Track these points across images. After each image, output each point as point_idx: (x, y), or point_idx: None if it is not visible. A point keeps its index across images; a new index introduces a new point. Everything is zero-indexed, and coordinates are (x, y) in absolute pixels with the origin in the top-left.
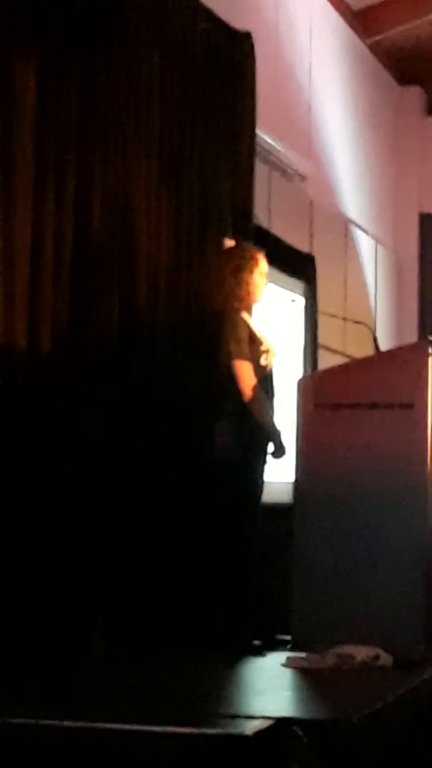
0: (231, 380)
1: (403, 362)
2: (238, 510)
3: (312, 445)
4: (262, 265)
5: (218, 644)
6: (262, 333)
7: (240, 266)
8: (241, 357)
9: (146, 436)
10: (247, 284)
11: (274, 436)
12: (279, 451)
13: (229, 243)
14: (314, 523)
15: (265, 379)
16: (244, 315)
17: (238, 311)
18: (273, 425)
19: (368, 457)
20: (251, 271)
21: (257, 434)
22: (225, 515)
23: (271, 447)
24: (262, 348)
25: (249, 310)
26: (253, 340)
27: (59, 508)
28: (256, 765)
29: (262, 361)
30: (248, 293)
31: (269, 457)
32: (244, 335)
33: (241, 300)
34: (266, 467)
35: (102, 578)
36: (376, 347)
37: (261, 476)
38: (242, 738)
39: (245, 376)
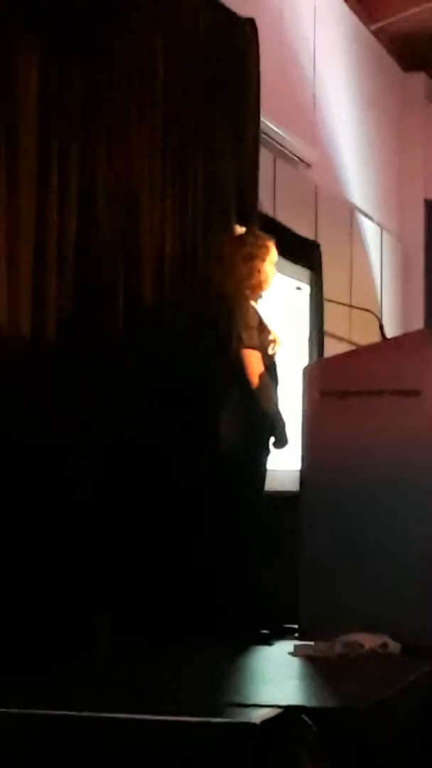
0: (239, 368)
1: (410, 349)
2: (242, 500)
3: (318, 433)
4: (273, 253)
5: (225, 633)
6: (268, 321)
7: (252, 254)
8: (251, 345)
9: (151, 429)
10: (259, 272)
11: (278, 426)
12: (281, 442)
13: (240, 230)
14: (321, 511)
15: (271, 367)
16: (254, 303)
17: (248, 299)
18: (278, 415)
19: (375, 445)
20: (263, 259)
21: (262, 424)
22: (229, 506)
23: (273, 436)
24: (271, 337)
25: (259, 298)
26: (262, 329)
27: (63, 502)
28: (264, 753)
29: (270, 350)
30: (259, 281)
31: (271, 447)
32: (254, 324)
33: (253, 288)
34: (269, 457)
35: (106, 570)
36: (383, 334)
37: (264, 466)
38: (250, 726)
39: (254, 364)
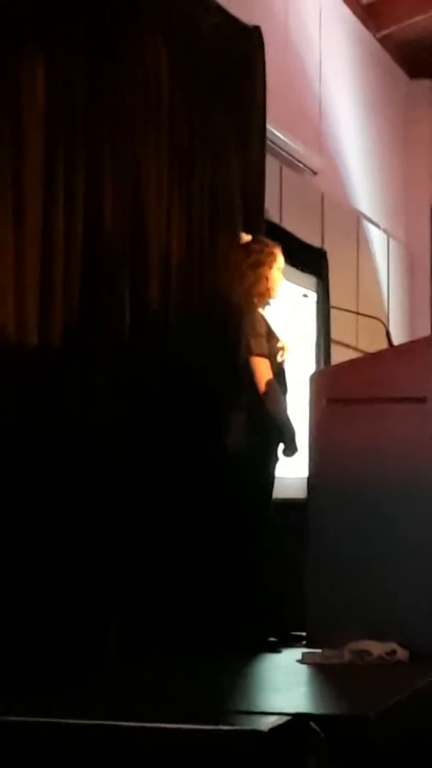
0: (248, 376)
1: (417, 356)
2: (250, 505)
3: (325, 441)
4: (280, 260)
5: (233, 641)
6: (276, 329)
7: (260, 261)
8: (260, 353)
9: (159, 435)
10: (267, 280)
11: (287, 433)
12: (290, 449)
13: (246, 237)
14: (328, 518)
15: (279, 375)
16: (262, 311)
17: (256, 306)
18: (287, 422)
19: (381, 452)
20: (270, 267)
21: (270, 431)
22: (236, 511)
23: (282, 444)
24: (279, 345)
25: (266, 305)
26: (271, 336)
27: (71, 503)
28: (272, 761)
29: (278, 358)
30: (267, 289)
31: (280, 454)
32: (263, 331)
33: (261, 295)
34: (277, 463)
35: (115, 576)
36: (389, 341)
37: (272, 472)
38: (258, 734)
39: (263, 372)
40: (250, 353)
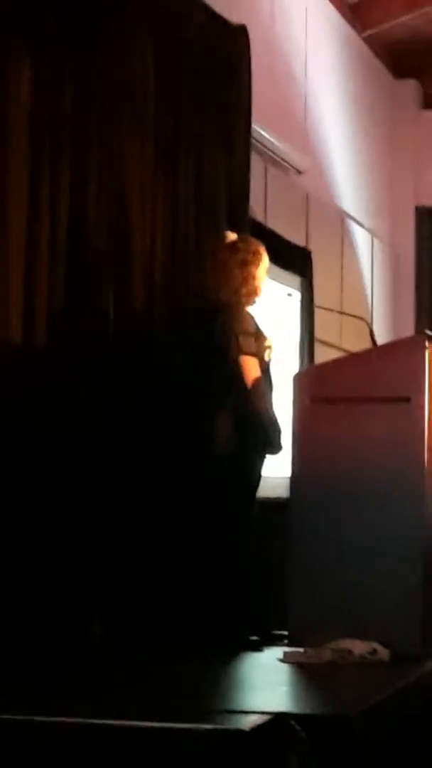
0: (236, 375)
1: (400, 356)
2: (235, 505)
3: (308, 440)
4: (265, 259)
5: (215, 640)
6: (262, 327)
7: (246, 260)
8: (248, 352)
9: (143, 431)
10: (254, 278)
11: (273, 432)
12: (275, 448)
13: (232, 236)
14: (311, 517)
15: (265, 373)
16: (249, 309)
17: (243, 305)
18: (273, 421)
19: (365, 452)
20: (257, 265)
21: (257, 429)
22: (221, 510)
23: (268, 442)
24: (266, 344)
25: (252, 304)
26: (259, 335)
27: (55, 503)
28: (253, 760)
29: (266, 357)
30: (254, 288)
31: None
32: (252, 330)
33: (248, 294)
34: (264, 462)
35: (98, 574)
36: (373, 341)
37: (258, 471)
38: (239, 733)
39: (251, 371)
40: (240, 352)
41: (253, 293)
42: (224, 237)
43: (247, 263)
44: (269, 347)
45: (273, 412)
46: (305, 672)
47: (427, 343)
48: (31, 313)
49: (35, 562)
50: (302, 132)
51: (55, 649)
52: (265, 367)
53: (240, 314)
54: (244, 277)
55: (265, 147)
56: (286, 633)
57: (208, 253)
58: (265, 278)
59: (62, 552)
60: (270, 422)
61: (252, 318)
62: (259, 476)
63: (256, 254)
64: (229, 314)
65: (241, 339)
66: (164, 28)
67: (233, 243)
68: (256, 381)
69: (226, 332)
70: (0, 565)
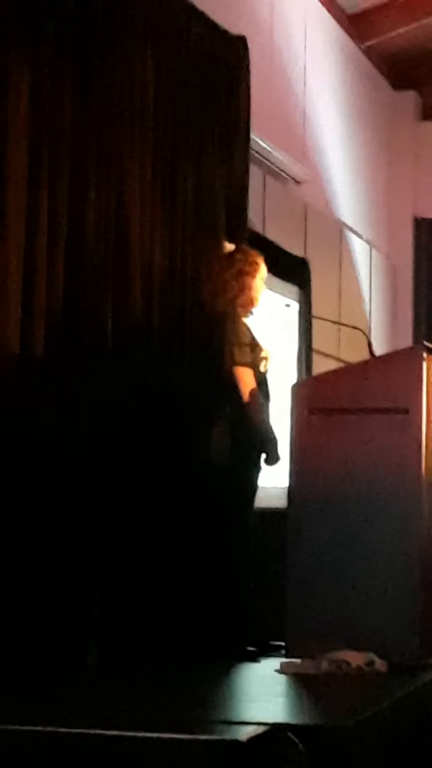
0: (231, 385)
1: (398, 367)
2: (232, 515)
3: (306, 451)
4: (263, 269)
5: (212, 650)
6: (259, 338)
7: (242, 271)
8: (243, 363)
9: (140, 440)
10: (250, 289)
11: (269, 443)
12: (272, 459)
13: (229, 247)
14: (308, 528)
15: (262, 384)
16: (246, 320)
17: (240, 316)
18: (270, 432)
19: (362, 462)
20: (253, 276)
21: (253, 440)
22: (218, 520)
23: (264, 454)
24: (262, 354)
25: (249, 315)
26: (255, 346)
27: (53, 510)
28: None
29: (262, 368)
30: (250, 298)
31: (263, 464)
32: (247, 340)
33: (245, 305)
34: (260, 473)
35: (96, 584)
36: (371, 352)
37: (255, 482)
38: (236, 744)
39: (246, 381)
40: (234, 363)
41: (249, 304)
42: (222, 247)
43: (243, 274)
44: (266, 358)
45: (269, 423)
46: (302, 683)
47: (425, 355)
48: (29, 322)
49: (34, 570)
50: (301, 143)
51: (52, 659)
52: (261, 378)
53: (236, 325)
54: (241, 287)
55: (264, 157)
56: (283, 644)
57: (206, 263)
58: (262, 289)
59: (60, 561)
60: (266, 433)
61: (248, 329)
62: (256, 487)
63: (253, 265)
64: (224, 325)
65: (236, 350)
66: (163, 38)
67: (230, 254)
68: (252, 392)
69: (220, 343)
70: None
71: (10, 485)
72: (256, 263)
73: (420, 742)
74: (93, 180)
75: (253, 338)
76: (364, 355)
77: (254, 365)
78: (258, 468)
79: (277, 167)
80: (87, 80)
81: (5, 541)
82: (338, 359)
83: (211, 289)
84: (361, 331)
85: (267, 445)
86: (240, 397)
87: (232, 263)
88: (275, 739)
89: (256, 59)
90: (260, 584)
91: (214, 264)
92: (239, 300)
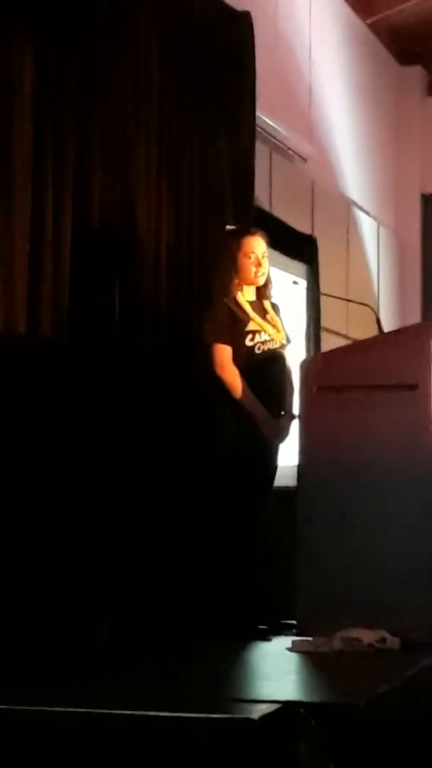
0: (207, 363)
1: (407, 343)
2: (248, 496)
3: (315, 428)
4: (257, 245)
5: (224, 629)
6: (268, 316)
7: (240, 249)
8: (217, 339)
9: (151, 422)
10: (248, 268)
11: (261, 421)
12: (272, 438)
13: (230, 228)
14: (318, 505)
15: (265, 361)
16: (239, 296)
17: (229, 294)
18: (259, 409)
19: (372, 439)
20: (249, 254)
21: (239, 419)
22: (234, 501)
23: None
24: (247, 328)
25: (253, 293)
26: (236, 321)
27: (62, 495)
28: (263, 749)
29: (248, 342)
30: (248, 278)
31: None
32: (221, 315)
33: (249, 283)
34: (278, 453)
35: (107, 565)
36: (379, 329)
37: (272, 461)
38: (249, 722)
39: (221, 359)
40: (206, 339)
41: (247, 283)
42: (226, 225)
43: (241, 252)
44: (256, 332)
45: (254, 400)
46: (314, 661)
47: None
48: (35, 303)
49: (44, 555)
50: (307, 119)
51: (64, 638)
52: (249, 354)
53: (212, 301)
54: (237, 266)
55: (270, 135)
56: (294, 622)
57: (211, 241)
58: (265, 267)
59: (71, 544)
60: (254, 412)
61: (225, 304)
62: (275, 467)
63: (250, 243)
64: (209, 303)
65: (206, 326)
66: (168, 15)
67: (229, 232)
68: (226, 369)
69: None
70: (10, 559)
71: (19, 465)
72: (253, 242)
73: None
74: (98, 159)
75: (233, 313)
76: (373, 332)
77: (236, 340)
78: (261, 447)
79: (284, 144)
80: (91, 59)
81: (17, 523)
82: (346, 336)
83: (212, 268)
84: (370, 307)
85: (258, 423)
86: (213, 376)
87: (229, 241)
88: (287, 716)
89: (261, 35)
90: (271, 563)
91: (218, 242)
92: (235, 279)
